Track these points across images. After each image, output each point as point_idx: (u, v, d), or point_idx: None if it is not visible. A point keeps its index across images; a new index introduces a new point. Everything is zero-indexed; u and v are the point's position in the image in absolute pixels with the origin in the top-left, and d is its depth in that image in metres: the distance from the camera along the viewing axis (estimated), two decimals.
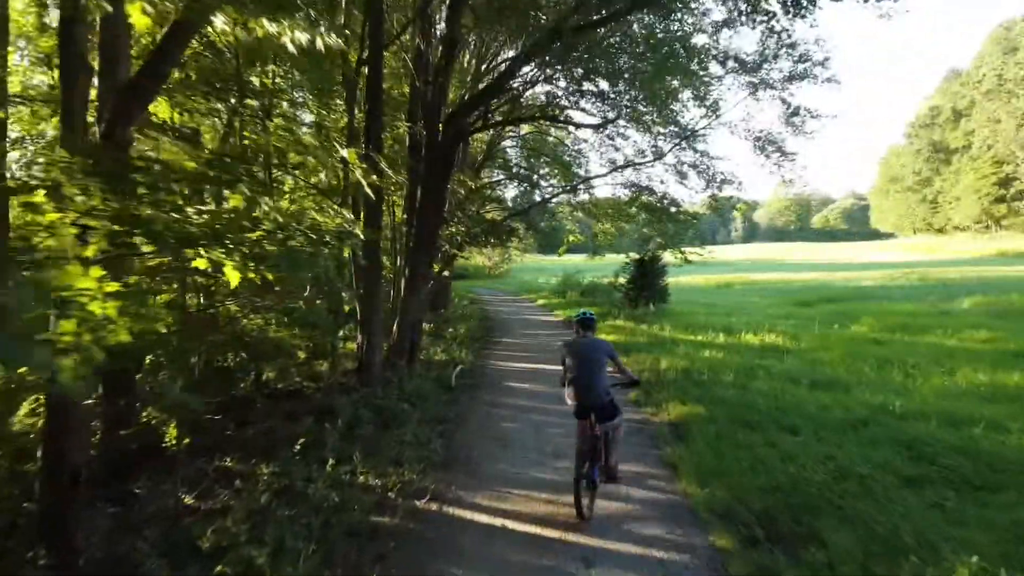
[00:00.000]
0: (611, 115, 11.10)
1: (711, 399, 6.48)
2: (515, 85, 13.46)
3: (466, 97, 10.18)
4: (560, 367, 4.55)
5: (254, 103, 7.62)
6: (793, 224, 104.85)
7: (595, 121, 10.82)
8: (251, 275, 2.10)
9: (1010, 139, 47.46)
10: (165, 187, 2.25)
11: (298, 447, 5.04)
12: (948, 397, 6.29)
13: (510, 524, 3.98)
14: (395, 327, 8.25)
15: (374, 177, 2.55)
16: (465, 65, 13.80)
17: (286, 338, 5.68)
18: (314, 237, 2.81)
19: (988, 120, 49.28)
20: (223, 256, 2.02)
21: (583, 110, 11.83)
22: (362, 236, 2.93)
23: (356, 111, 8.35)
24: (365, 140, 7.51)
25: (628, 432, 5.63)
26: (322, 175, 8.66)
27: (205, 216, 2.36)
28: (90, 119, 5.07)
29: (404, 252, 10.10)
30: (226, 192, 2.37)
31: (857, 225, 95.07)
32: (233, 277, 2.02)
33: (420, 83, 8.15)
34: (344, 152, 2.37)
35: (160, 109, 6.01)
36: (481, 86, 10.47)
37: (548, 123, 16.00)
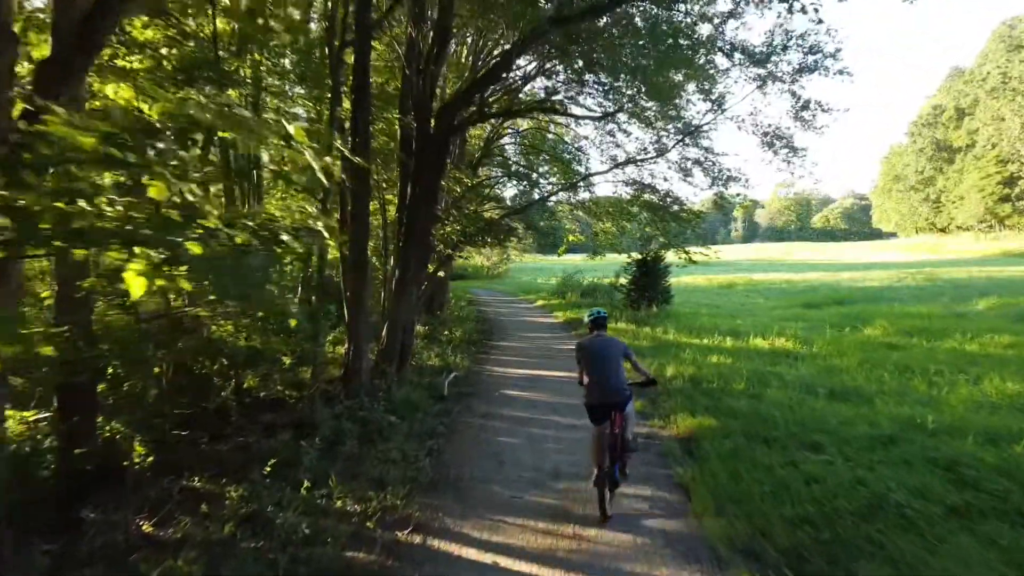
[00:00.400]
0: (611, 109, 10.63)
1: (723, 410, 6.00)
2: (513, 79, 13.04)
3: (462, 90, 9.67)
4: (576, 371, 4.52)
5: (234, 93, 7.16)
6: (793, 224, 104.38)
7: (596, 114, 10.34)
8: (160, 282, 1.64)
9: (1015, 138, 46.96)
10: (60, 170, 1.78)
11: (268, 468, 4.54)
12: (980, 409, 5.81)
13: (503, 561, 3.50)
14: (384, 331, 7.78)
15: (328, 160, 2.10)
16: (463, 60, 13.34)
17: (259, 344, 5.21)
18: (266, 234, 2.33)
19: (992, 118, 48.74)
20: (122, 258, 1.56)
21: (583, 106, 11.37)
22: (325, 232, 2.45)
23: (344, 102, 7.89)
24: (352, 132, 7.05)
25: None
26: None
27: (119, 208, 1.88)
28: None
29: (396, 252, 9.64)
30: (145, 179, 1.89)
31: (857, 225, 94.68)
32: (136, 286, 1.56)
33: (411, 72, 7.67)
34: (290, 128, 1.93)
35: (123, 95, 5.52)
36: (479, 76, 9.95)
37: (547, 116, 15.55)
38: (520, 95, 12.79)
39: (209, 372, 6.45)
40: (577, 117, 9.57)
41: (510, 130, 16.34)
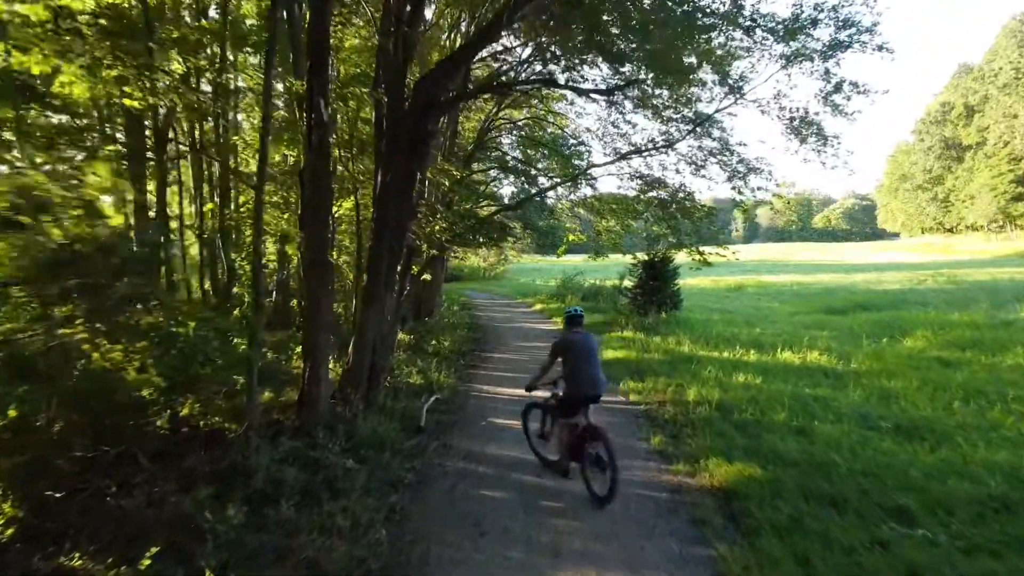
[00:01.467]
0: (616, 84, 9.37)
1: (766, 454, 4.75)
2: (507, 62, 11.81)
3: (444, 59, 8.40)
4: (539, 367, 4.72)
5: (172, 62, 5.96)
6: (794, 224, 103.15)
7: (600, 87, 9.08)
8: None
9: None
10: None
11: (149, 556, 3.27)
12: None
13: None
14: (351, 349, 6.53)
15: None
16: (456, 50, 12.10)
17: (153, 376, 3.98)
18: None
19: (1004, 115, 47.44)
20: None
21: (582, 89, 10.13)
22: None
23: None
24: (307, 105, 5.79)
25: (657, 514, 3.97)
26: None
27: None
28: None
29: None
30: None
31: (859, 225, 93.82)
32: None
33: (383, 40, 6.42)
34: None
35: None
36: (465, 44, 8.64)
37: (545, 105, 14.29)
38: (516, 88, 11.56)
39: (129, 402, 5.20)
40: (578, 91, 8.32)
41: (504, 120, 15.07)
